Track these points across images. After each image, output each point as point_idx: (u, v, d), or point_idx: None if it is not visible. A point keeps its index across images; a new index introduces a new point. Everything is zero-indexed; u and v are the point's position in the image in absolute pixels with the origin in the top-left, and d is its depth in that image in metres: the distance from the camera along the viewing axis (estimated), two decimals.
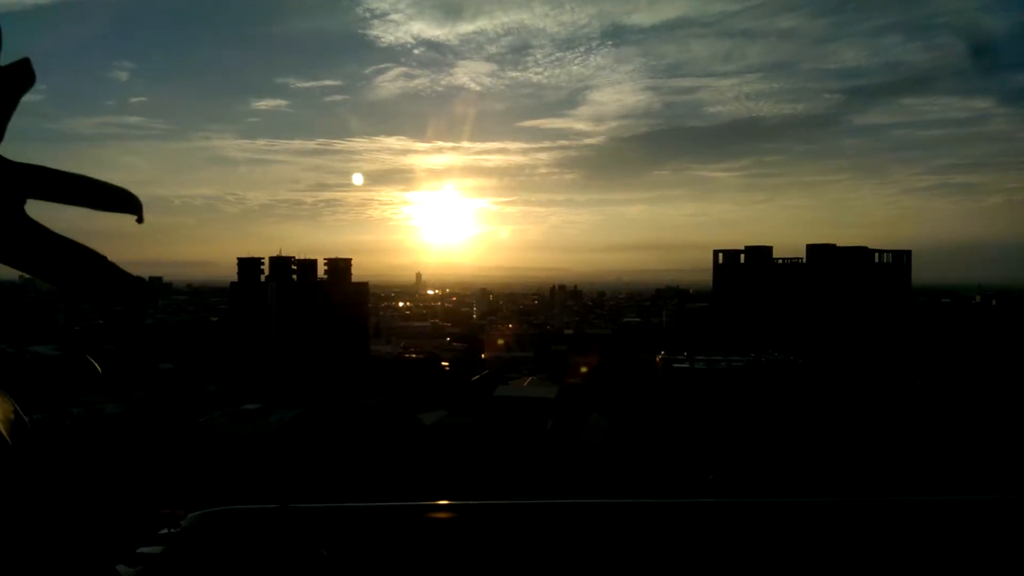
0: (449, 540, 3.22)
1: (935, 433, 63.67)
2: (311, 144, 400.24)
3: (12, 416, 1.23)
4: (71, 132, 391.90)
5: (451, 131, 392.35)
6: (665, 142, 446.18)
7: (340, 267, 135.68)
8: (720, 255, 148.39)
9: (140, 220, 1.22)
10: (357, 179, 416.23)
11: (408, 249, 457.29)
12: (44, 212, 1.22)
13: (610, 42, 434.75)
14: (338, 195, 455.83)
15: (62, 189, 1.20)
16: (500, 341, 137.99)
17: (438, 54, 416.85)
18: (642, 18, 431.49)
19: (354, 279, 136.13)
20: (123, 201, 1.21)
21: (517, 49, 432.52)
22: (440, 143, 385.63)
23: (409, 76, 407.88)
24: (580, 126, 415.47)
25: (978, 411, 70.29)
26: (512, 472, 53.51)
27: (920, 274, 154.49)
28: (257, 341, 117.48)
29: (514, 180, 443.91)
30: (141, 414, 67.53)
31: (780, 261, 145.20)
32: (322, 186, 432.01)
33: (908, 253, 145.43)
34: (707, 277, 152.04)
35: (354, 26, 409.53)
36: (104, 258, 1.23)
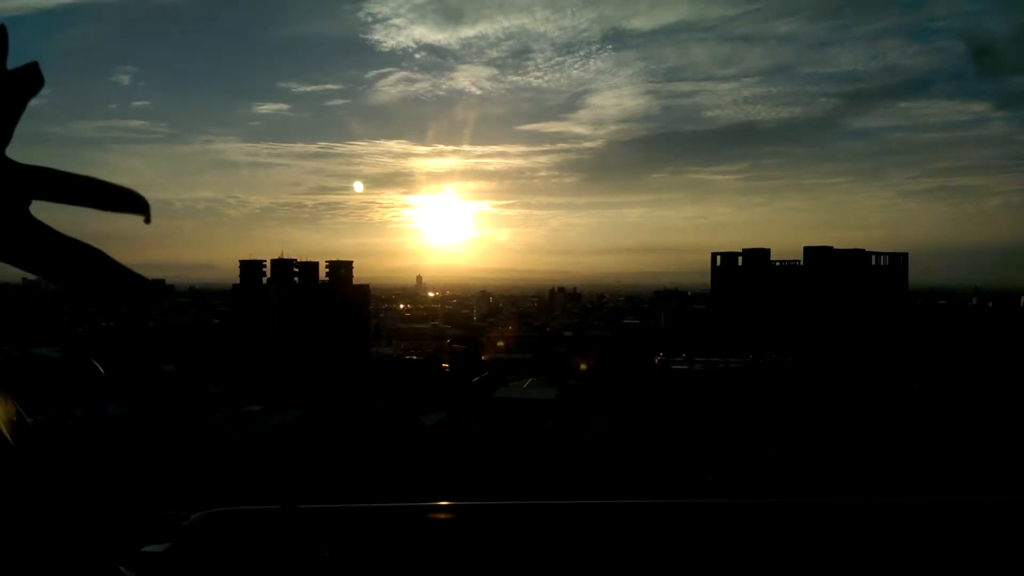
0: (450, 541, 3.25)
1: (932, 435, 63.69)
2: (312, 147, 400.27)
3: (15, 417, 1.23)
4: (73, 135, 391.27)
5: (452, 134, 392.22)
6: (664, 145, 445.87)
7: (341, 270, 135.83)
8: (718, 257, 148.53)
9: (148, 220, 1.20)
10: (358, 187, 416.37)
11: (409, 252, 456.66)
12: (48, 214, 1.21)
13: (610, 46, 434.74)
14: (339, 198, 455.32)
15: (68, 190, 1.20)
16: (500, 343, 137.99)
17: (439, 58, 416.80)
18: (642, 23, 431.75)
19: (355, 281, 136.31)
20: (130, 202, 1.20)
21: (518, 53, 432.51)
22: (441, 146, 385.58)
23: (410, 80, 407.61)
24: (580, 129, 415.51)
25: (975, 413, 70.29)
26: (512, 473, 53.53)
27: (917, 276, 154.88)
28: (259, 343, 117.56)
29: (514, 183, 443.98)
30: (143, 415, 67.58)
31: (778, 263, 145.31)
32: (323, 189, 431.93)
33: (905, 255, 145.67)
34: (705, 279, 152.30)
35: (355, 30, 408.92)
36: (110, 258, 1.22)
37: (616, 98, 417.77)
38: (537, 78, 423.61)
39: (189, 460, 53.62)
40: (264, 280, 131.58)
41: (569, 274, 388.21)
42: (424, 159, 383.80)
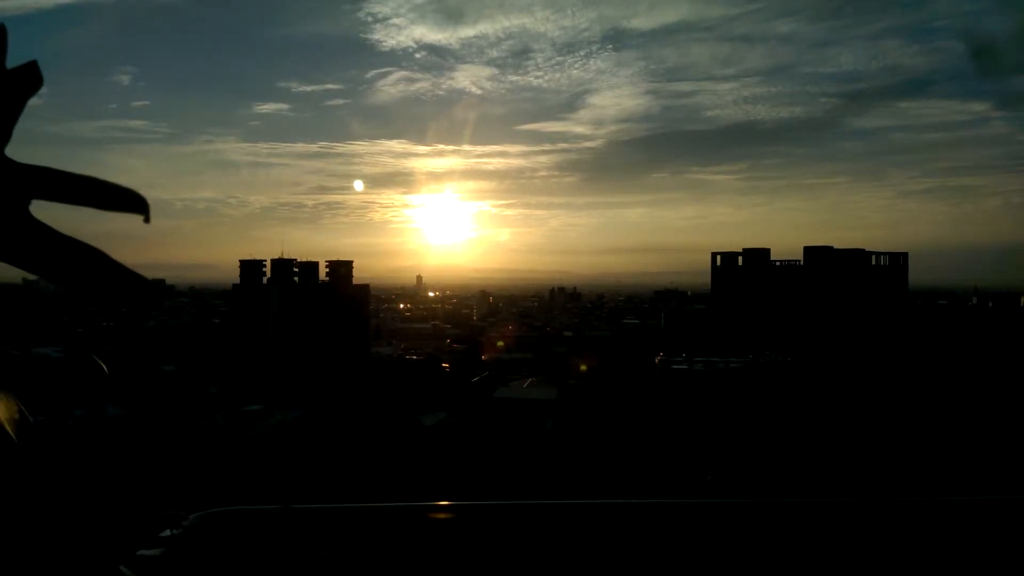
0: (449, 540, 3.24)
1: (932, 435, 63.64)
2: (312, 147, 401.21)
3: (17, 416, 1.23)
4: (73, 135, 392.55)
5: (452, 134, 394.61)
6: (664, 145, 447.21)
7: (341, 270, 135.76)
8: (718, 257, 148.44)
9: (147, 220, 1.21)
10: (358, 186, 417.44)
11: (409, 252, 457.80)
12: (48, 213, 1.22)
13: (610, 46, 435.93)
14: (339, 198, 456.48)
15: (68, 189, 1.20)
16: (500, 343, 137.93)
17: (439, 58, 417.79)
18: (642, 22, 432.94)
19: (355, 281, 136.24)
20: (130, 201, 1.20)
21: (518, 53, 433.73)
22: (441, 146, 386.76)
23: (410, 80, 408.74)
24: (580, 129, 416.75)
25: (975, 413, 70.24)
26: (512, 473, 53.51)
27: (917, 276, 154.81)
28: (259, 343, 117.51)
29: (514, 183, 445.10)
30: (143, 416, 67.53)
31: (778, 263, 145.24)
32: (323, 189, 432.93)
33: (905, 255, 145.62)
34: (706, 279, 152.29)
35: (356, 30, 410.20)
36: (110, 258, 1.23)
37: (616, 98, 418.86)
38: (537, 78, 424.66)
39: (189, 460, 53.58)
40: (264, 280, 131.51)
41: (569, 274, 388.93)
42: (424, 159, 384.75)
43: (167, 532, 3.00)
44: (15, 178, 1.18)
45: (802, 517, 3.47)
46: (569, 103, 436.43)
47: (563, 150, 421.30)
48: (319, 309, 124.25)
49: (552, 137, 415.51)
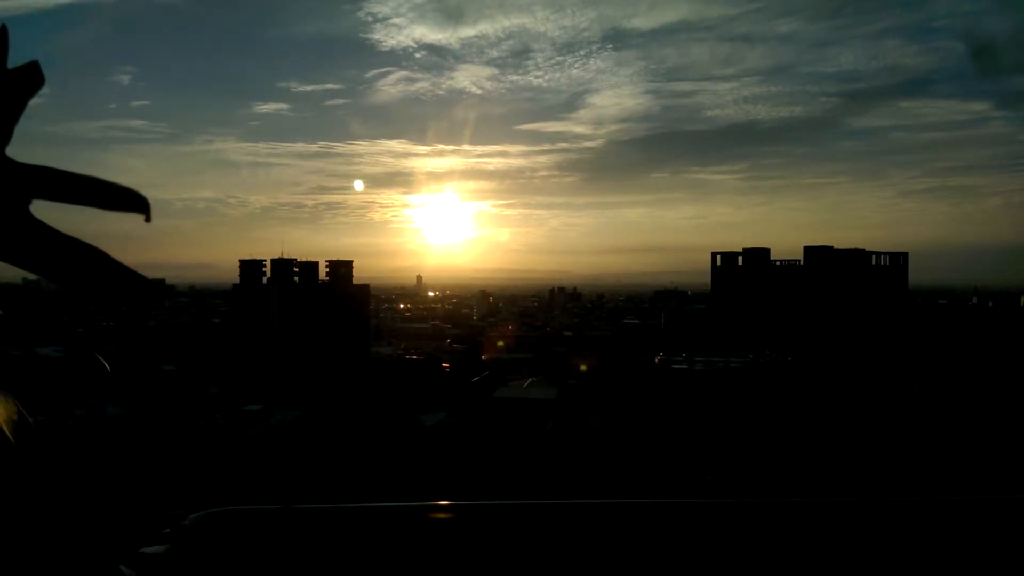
0: (449, 540, 3.24)
1: (932, 435, 63.68)
2: (312, 147, 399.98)
3: (16, 417, 1.23)
4: (73, 135, 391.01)
5: (452, 134, 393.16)
6: (664, 145, 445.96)
7: (341, 270, 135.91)
8: (718, 257, 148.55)
9: (148, 219, 1.21)
10: (358, 186, 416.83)
11: (409, 252, 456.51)
12: (48, 214, 1.21)
13: (610, 46, 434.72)
14: (339, 198, 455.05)
15: (69, 189, 1.20)
16: (500, 343, 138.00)
17: (439, 58, 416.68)
18: (642, 22, 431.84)
19: (355, 281, 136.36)
20: (131, 201, 1.21)
21: (518, 53, 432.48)
22: (441, 146, 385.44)
23: (410, 80, 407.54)
24: (580, 129, 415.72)
25: (975, 413, 70.27)
26: (512, 473, 53.54)
27: (917, 276, 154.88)
28: (259, 343, 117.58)
29: (514, 183, 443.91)
30: (143, 415, 67.56)
31: (778, 263, 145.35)
32: (323, 189, 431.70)
33: (905, 255, 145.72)
34: (706, 279, 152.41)
35: (355, 30, 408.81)
36: (111, 258, 1.23)
37: (616, 98, 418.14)
38: (537, 78, 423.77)
39: (189, 460, 53.61)
40: (264, 280, 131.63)
41: (569, 274, 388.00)
42: (424, 159, 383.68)
43: (167, 532, 3.00)
44: (16, 178, 1.18)
45: (802, 517, 3.47)
46: (569, 103, 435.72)
47: (563, 150, 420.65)
48: (319, 309, 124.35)
49: (552, 137, 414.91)
